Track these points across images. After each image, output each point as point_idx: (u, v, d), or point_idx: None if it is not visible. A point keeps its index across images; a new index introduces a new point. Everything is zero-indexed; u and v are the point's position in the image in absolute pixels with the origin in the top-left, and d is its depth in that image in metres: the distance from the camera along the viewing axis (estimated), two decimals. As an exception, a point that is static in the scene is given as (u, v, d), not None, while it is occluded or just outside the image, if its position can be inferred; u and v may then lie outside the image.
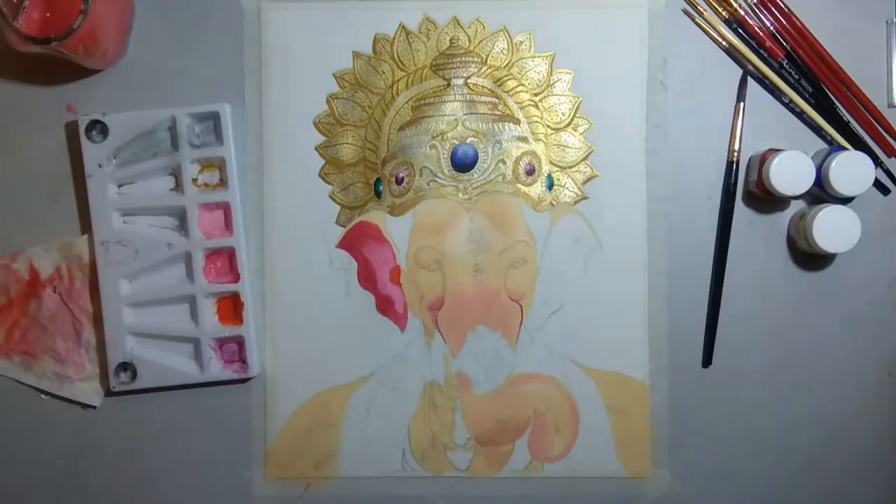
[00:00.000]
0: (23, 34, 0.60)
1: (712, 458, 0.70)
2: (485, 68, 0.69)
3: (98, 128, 0.67)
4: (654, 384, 0.69)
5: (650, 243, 0.69)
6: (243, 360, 0.68)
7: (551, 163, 0.69)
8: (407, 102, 0.69)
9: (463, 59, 0.69)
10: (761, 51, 0.69)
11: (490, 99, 0.69)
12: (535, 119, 0.69)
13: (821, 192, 0.67)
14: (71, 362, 0.69)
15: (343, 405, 0.69)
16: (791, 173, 0.65)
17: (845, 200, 0.67)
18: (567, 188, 0.69)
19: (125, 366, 0.68)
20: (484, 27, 0.69)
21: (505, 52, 0.69)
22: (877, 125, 0.69)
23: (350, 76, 0.69)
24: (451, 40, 0.69)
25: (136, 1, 0.69)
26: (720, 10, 0.69)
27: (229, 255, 0.69)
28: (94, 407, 0.70)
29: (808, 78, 0.69)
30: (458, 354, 0.69)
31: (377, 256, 0.69)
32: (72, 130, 0.69)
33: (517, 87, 0.69)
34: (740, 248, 0.69)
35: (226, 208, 0.68)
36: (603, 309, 0.69)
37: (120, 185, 0.69)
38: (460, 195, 0.69)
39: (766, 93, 0.69)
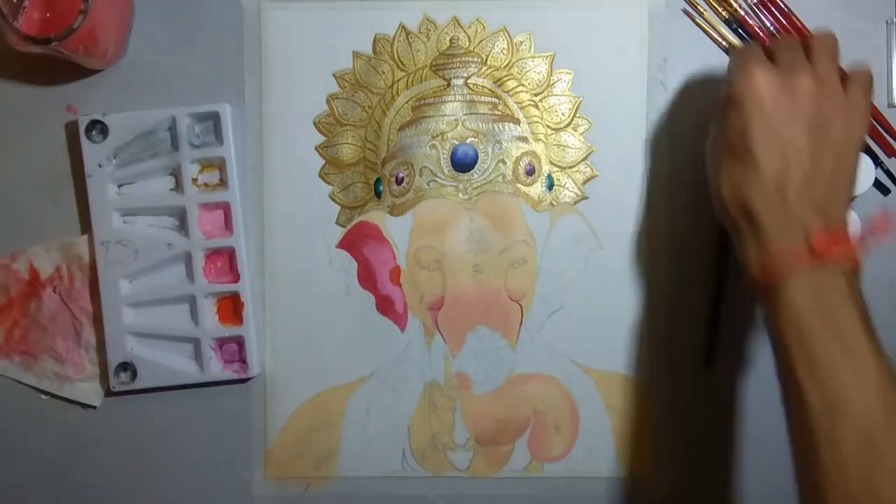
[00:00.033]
0: (23, 34, 0.60)
1: (712, 458, 0.70)
2: (485, 68, 0.69)
3: (98, 128, 0.67)
4: (654, 384, 0.69)
5: (650, 243, 0.69)
6: (243, 360, 0.68)
7: (551, 163, 0.69)
8: (407, 102, 0.69)
9: (463, 59, 0.69)
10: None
11: (490, 99, 0.69)
12: (535, 119, 0.69)
13: (821, 192, 0.67)
14: (71, 362, 0.69)
15: (343, 405, 0.69)
16: (791, 173, 0.65)
17: (845, 200, 0.67)
18: (567, 188, 0.69)
19: (125, 366, 0.68)
20: (484, 27, 0.69)
21: (505, 52, 0.69)
22: (877, 125, 0.69)
23: (350, 76, 0.69)
24: (451, 40, 0.69)
25: (136, 1, 0.69)
26: (720, 9, 0.69)
27: (229, 255, 0.69)
28: (94, 407, 0.70)
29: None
30: (458, 354, 0.69)
31: (377, 256, 0.69)
32: (72, 130, 0.69)
33: (517, 87, 0.69)
34: (740, 248, 0.69)
35: (226, 208, 0.68)
36: (603, 309, 0.69)
37: (120, 185, 0.69)
38: (460, 195, 0.69)
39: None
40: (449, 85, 0.69)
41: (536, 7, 0.69)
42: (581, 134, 0.69)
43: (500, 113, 0.69)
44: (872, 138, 0.69)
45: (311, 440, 0.69)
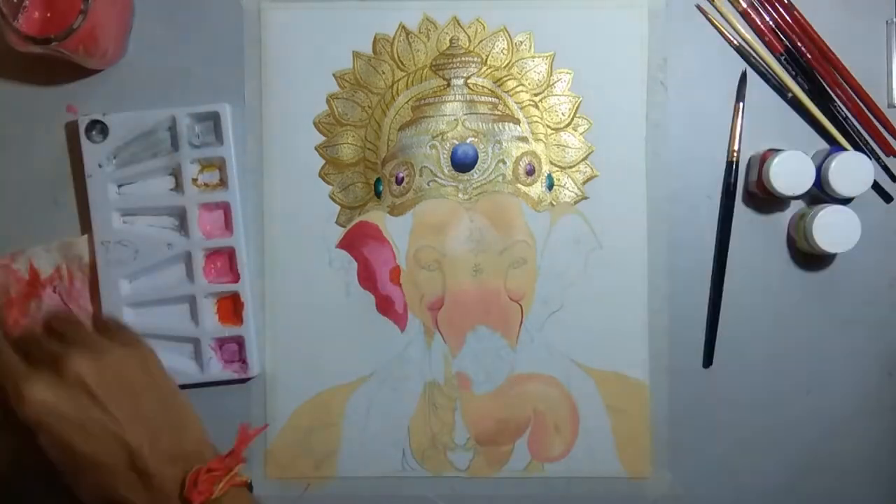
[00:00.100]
0: (23, 34, 0.60)
1: (712, 458, 0.70)
2: (485, 68, 0.69)
3: (98, 128, 0.67)
4: (654, 384, 0.69)
5: (650, 243, 0.69)
6: (243, 360, 0.68)
7: (551, 163, 0.69)
8: (407, 102, 0.69)
9: (463, 59, 0.69)
10: (762, 46, 0.69)
11: (490, 99, 0.69)
12: (535, 119, 0.69)
13: (820, 193, 0.67)
14: (71, 362, 0.69)
15: (343, 405, 0.69)
16: (791, 173, 0.65)
17: (845, 201, 0.67)
18: (567, 188, 0.69)
19: (125, 366, 0.68)
20: (484, 27, 0.69)
21: (505, 52, 0.69)
22: (877, 124, 0.69)
23: (350, 76, 0.69)
24: (451, 40, 0.69)
25: (136, 1, 0.69)
26: (720, 7, 0.69)
27: (229, 255, 0.69)
28: (94, 407, 0.70)
29: (807, 74, 0.69)
30: (458, 354, 0.69)
31: (377, 256, 0.69)
32: (72, 130, 0.69)
33: (517, 87, 0.69)
34: (740, 248, 0.69)
35: (226, 208, 0.68)
36: (603, 309, 0.69)
37: (120, 185, 0.69)
38: (460, 195, 0.69)
39: (765, 94, 0.69)
40: (449, 85, 0.69)
41: (536, 7, 0.69)
42: (581, 134, 0.69)
43: (500, 113, 0.69)
44: (872, 137, 0.69)
45: (311, 440, 0.69)
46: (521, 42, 0.69)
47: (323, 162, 0.69)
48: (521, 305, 0.69)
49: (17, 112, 0.69)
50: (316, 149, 0.69)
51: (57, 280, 0.69)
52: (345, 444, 0.69)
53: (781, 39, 0.69)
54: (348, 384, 0.70)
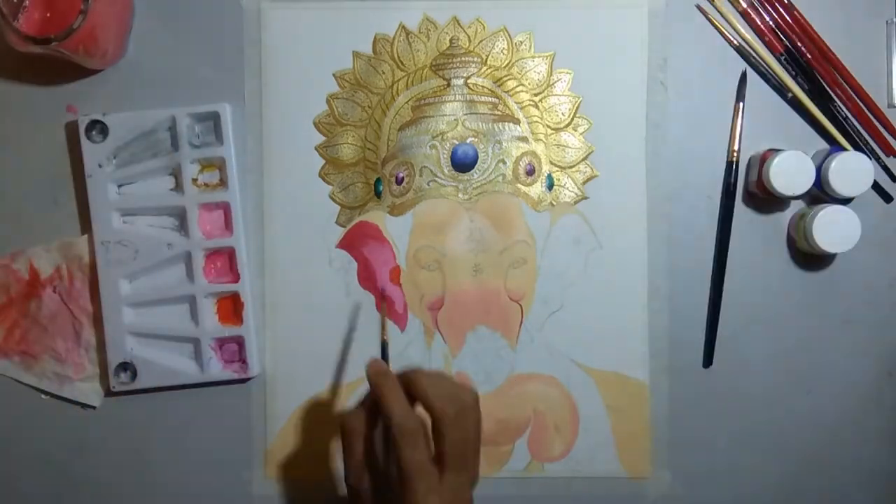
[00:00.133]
0: (23, 34, 0.60)
1: (712, 458, 0.70)
2: (485, 68, 0.69)
3: (98, 128, 0.67)
4: (654, 384, 0.69)
5: (650, 243, 0.69)
6: (243, 360, 0.68)
7: (551, 163, 0.69)
8: (407, 102, 0.69)
9: (463, 59, 0.69)
10: (762, 46, 0.69)
11: (490, 99, 0.69)
12: (535, 119, 0.69)
13: (820, 193, 0.67)
14: (71, 362, 0.69)
15: (343, 405, 0.69)
16: (791, 173, 0.65)
17: (845, 201, 0.67)
18: (567, 188, 0.69)
19: (125, 366, 0.68)
20: (484, 27, 0.69)
21: (505, 52, 0.69)
22: (877, 124, 0.69)
23: (350, 76, 0.69)
24: (451, 40, 0.69)
25: (136, 1, 0.69)
26: (720, 7, 0.69)
27: (229, 255, 0.69)
28: (94, 407, 0.70)
29: (807, 74, 0.69)
30: (458, 354, 0.69)
31: (377, 256, 0.69)
32: (72, 130, 0.69)
33: (517, 87, 0.69)
34: (740, 248, 0.69)
35: (226, 208, 0.68)
36: (603, 309, 0.69)
37: (120, 185, 0.69)
38: (460, 195, 0.69)
39: (765, 94, 0.69)
40: (449, 85, 0.69)
41: (536, 7, 0.69)
42: (581, 134, 0.69)
43: (500, 113, 0.69)
44: (872, 137, 0.69)
45: (311, 440, 0.69)
46: (521, 42, 0.69)
47: (323, 162, 0.69)
48: (521, 305, 0.69)
49: (17, 112, 0.69)
50: (316, 149, 0.69)
51: (57, 280, 0.69)
52: (345, 444, 0.69)
53: (781, 39, 0.69)
54: (348, 384, 0.70)
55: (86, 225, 0.69)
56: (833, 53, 0.69)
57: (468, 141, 0.69)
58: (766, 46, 0.69)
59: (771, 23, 0.69)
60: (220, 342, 0.69)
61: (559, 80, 0.69)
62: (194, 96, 0.69)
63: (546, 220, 0.69)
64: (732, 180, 0.69)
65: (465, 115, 0.69)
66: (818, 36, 0.69)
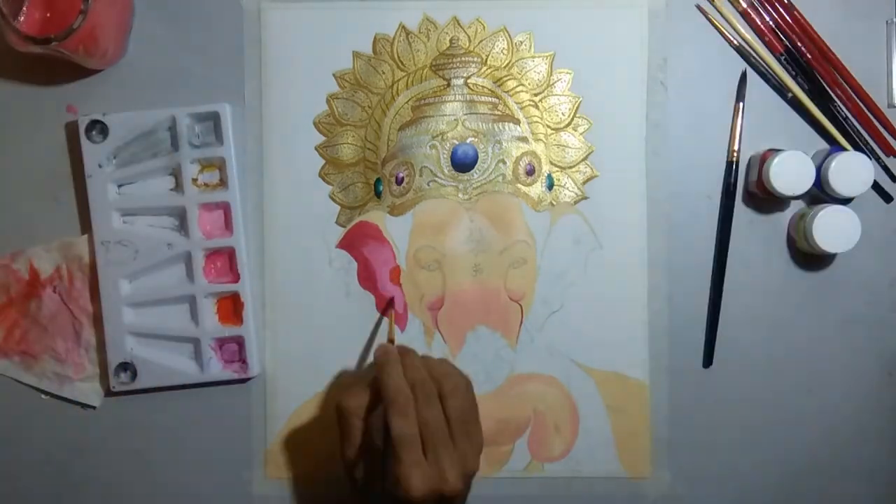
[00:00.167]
0: (23, 34, 0.60)
1: (712, 458, 0.70)
2: (485, 68, 0.69)
3: (98, 128, 0.67)
4: (654, 384, 0.69)
5: (650, 243, 0.69)
6: (243, 360, 0.68)
7: (551, 163, 0.69)
8: (407, 102, 0.69)
9: (463, 59, 0.69)
10: (762, 46, 0.69)
11: (490, 99, 0.69)
12: (535, 119, 0.69)
13: (820, 193, 0.67)
14: (71, 362, 0.69)
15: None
16: (791, 173, 0.65)
17: (845, 201, 0.67)
18: (567, 188, 0.69)
19: (125, 366, 0.68)
20: (484, 27, 0.69)
21: (505, 52, 0.69)
22: (877, 124, 0.69)
23: (350, 76, 0.69)
24: (451, 40, 0.69)
25: (136, 1, 0.69)
26: (720, 7, 0.69)
27: (229, 255, 0.69)
28: (94, 407, 0.70)
29: (807, 74, 0.69)
30: (458, 354, 0.69)
31: (377, 256, 0.69)
32: (72, 130, 0.69)
33: (517, 87, 0.69)
34: (740, 248, 0.69)
35: (226, 208, 0.68)
36: (603, 309, 0.69)
37: (120, 185, 0.69)
38: (460, 195, 0.69)
39: (765, 94, 0.69)
40: (449, 85, 0.69)
41: (536, 7, 0.69)
42: (581, 134, 0.69)
43: (500, 113, 0.69)
44: (872, 137, 0.69)
45: (311, 440, 0.69)
46: (521, 42, 0.69)
47: (323, 162, 0.69)
48: (521, 305, 0.69)
49: (17, 112, 0.69)
50: (316, 149, 0.69)
51: (57, 280, 0.69)
52: (345, 444, 0.69)
53: (781, 39, 0.69)
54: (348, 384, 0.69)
55: (86, 225, 0.69)
56: (833, 53, 0.69)
57: (468, 141, 0.69)
58: (766, 46, 0.69)
59: (771, 23, 0.69)
60: (220, 342, 0.69)
61: (559, 80, 0.69)
62: (194, 96, 0.69)
63: (546, 220, 0.69)
64: (732, 180, 0.69)
65: (465, 115, 0.69)
66: (818, 36, 0.69)
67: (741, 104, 0.69)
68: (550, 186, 0.69)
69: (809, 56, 0.69)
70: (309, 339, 0.69)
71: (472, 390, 0.59)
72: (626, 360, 0.69)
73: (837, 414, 0.70)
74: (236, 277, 0.68)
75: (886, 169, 0.69)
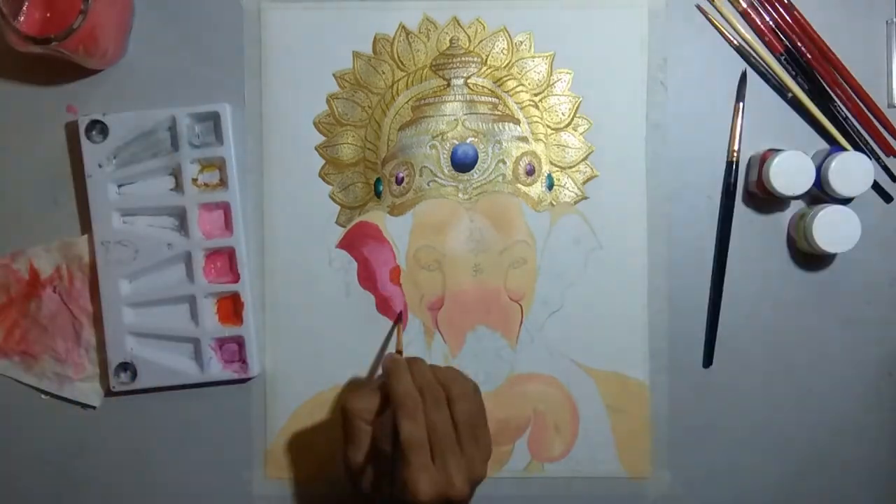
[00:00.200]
0: (23, 34, 0.60)
1: (712, 458, 0.70)
2: (485, 68, 0.69)
3: (98, 128, 0.67)
4: (654, 384, 0.69)
5: (650, 243, 0.69)
6: (243, 360, 0.68)
7: (551, 163, 0.69)
8: (407, 102, 0.69)
9: (463, 59, 0.69)
10: (762, 46, 0.69)
11: (490, 99, 0.69)
12: (535, 119, 0.69)
13: (820, 193, 0.67)
14: (71, 362, 0.69)
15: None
16: (791, 173, 0.65)
17: (845, 201, 0.67)
18: (567, 188, 0.69)
19: (125, 366, 0.68)
20: (484, 27, 0.69)
21: (505, 52, 0.69)
22: (877, 124, 0.69)
23: (350, 76, 0.69)
24: (451, 40, 0.69)
25: (136, 1, 0.69)
26: (720, 7, 0.69)
27: (229, 255, 0.69)
28: (94, 407, 0.70)
29: (807, 74, 0.69)
30: (458, 354, 0.69)
31: (377, 256, 0.69)
32: (72, 130, 0.69)
33: (517, 87, 0.69)
34: (740, 248, 0.69)
35: (226, 208, 0.68)
36: (603, 309, 0.69)
37: (120, 185, 0.69)
38: (460, 195, 0.69)
39: (765, 94, 0.69)
40: (449, 85, 0.69)
41: (536, 7, 0.69)
42: (581, 134, 0.69)
43: (500, 113, 0.69)
44: (872, 137, 0.69)
45: (311, 440, 0.69)
46: (521, 42, 0.69)
47: (323, 162, 0.69)
48: (521, 305, 0.69)
49: (17, 112, 0.69)
50: (316, 149, 0.69)
51: (57, 280, 0.69)
52: (345, 444, 0.69)
53: (781, 39, 0.69)
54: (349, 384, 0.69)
55: (86, 225, 0.69)
56: (833, 53, 0.69)
57: (468, 141, 0.69)
58: (766, 46, 0.69)
59: (771, 23, 0.69)
60: (220, 342, 0.69)
61: (559, 80, 0.69)
62: (194, 96, 0.69)
63: (546, 220, 0.69)
64: (732, 180, 0.69)
65: (465, 115, 0.69)
66: (818, 36, 0.69)
67: (741, 104, 0.69)
68: (550, 186, 0.69)
69: (809, 56, 0.69)
70: (309, 339, 0.69)
71: (480, 395, 0.59)
72: (626, 360, 0.69)
73: (837, 414, 0.70)
74: (236, 277, 0.68)
75: (886, 169, 0.69)
